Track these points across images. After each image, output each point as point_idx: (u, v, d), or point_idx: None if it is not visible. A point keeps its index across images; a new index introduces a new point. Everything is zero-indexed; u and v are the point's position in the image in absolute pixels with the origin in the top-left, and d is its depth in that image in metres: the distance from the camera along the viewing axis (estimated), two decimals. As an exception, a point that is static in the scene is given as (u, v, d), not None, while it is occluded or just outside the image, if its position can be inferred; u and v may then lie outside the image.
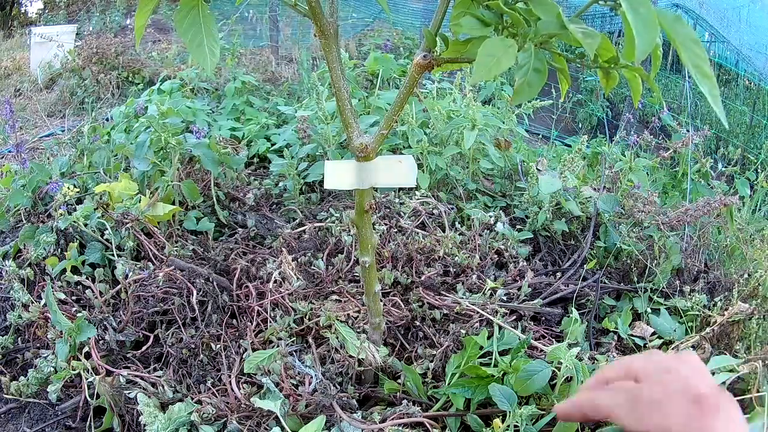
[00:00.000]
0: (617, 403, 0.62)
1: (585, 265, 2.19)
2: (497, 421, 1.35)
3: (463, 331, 1.75)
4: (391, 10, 6.47)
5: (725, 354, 1.63)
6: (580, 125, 5.55)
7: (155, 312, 1.88)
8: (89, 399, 1.62)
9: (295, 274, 1.91)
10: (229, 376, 1.61)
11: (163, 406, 1.52)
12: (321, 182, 2.64)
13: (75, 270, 2.09)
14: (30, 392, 1.72)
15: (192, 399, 1.55)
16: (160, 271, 1.97)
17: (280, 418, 1.38)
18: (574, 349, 1.44)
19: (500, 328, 1.69)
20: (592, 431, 1.49)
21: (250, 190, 2.76)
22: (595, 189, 2.60)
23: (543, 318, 1.99)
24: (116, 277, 1.96)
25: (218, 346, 1.75)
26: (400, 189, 2.53)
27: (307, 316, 1.80)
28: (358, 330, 1.73)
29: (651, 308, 2.01)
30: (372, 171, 1.32)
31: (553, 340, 1.86)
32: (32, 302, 1.88)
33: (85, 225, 2.17)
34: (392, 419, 1.44)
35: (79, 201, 2.39)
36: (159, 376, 1.66)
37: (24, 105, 5.40)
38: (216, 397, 1.56)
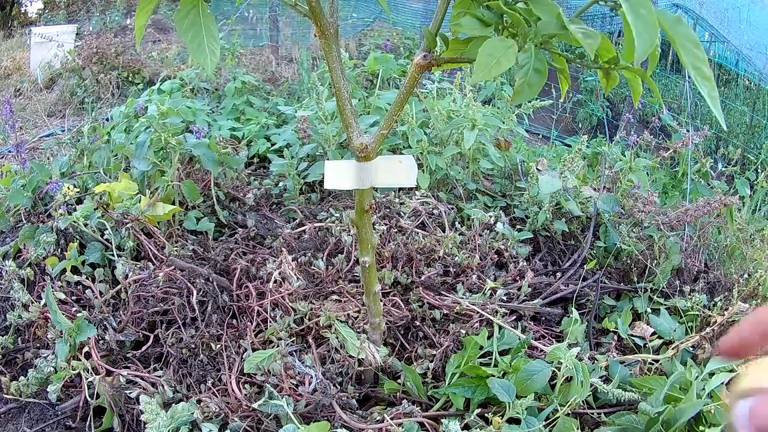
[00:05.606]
0: None
1: (585, 265, 2.19)
2: (496, 418, 1.35)
3: (463, 331, 1.76)
4: (391, 10, 6.46)
5: (725, 354, 1.62)
6: (580, 125, 5.55)
7: (155, 312, 1.88)
8: (89, 399, 1.62)
9: (295, 274, 1.91)
10: (230, 376, 1.61)
11: (163, 406, 1.52)
12: (321, 182, 2.64)
13: (75, 270, 2.09)
14: (30, 392, 1.72)
15: (192, 399, 1.55)
16: (160, 271, 1.97)
17: (291, 417, 1.38)
18: (574, 349, 1.44)
19: (500, 328, 1.70)
20: (591, 431, 1.50)
21: (250, 190, 2.76)
22: (595, 189, 2.60)
23: (543, 318, 1.99)
24: (116, 277, 1.97)
25: (218, 346, 1.75)
26: (400, 189, 2.53)
27: (307, 316, 1.80)
28: (358, 330, 1.73)
29: (651, 308, 2.01)
30: (372, 171, 1.32)
31: (553, 340, 1.86)
32: (32, 302, 1.88)
33: (85, 225, 2.17)
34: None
35: (79, 201, 2.39)
36: (159, 376, 1.66)
37: (24, 105, 5.40)
38: (216, 397, 1.56)
